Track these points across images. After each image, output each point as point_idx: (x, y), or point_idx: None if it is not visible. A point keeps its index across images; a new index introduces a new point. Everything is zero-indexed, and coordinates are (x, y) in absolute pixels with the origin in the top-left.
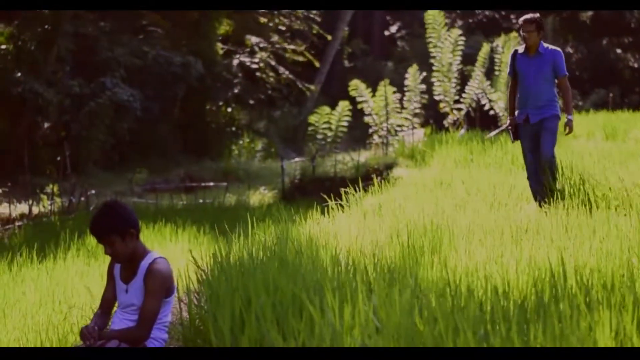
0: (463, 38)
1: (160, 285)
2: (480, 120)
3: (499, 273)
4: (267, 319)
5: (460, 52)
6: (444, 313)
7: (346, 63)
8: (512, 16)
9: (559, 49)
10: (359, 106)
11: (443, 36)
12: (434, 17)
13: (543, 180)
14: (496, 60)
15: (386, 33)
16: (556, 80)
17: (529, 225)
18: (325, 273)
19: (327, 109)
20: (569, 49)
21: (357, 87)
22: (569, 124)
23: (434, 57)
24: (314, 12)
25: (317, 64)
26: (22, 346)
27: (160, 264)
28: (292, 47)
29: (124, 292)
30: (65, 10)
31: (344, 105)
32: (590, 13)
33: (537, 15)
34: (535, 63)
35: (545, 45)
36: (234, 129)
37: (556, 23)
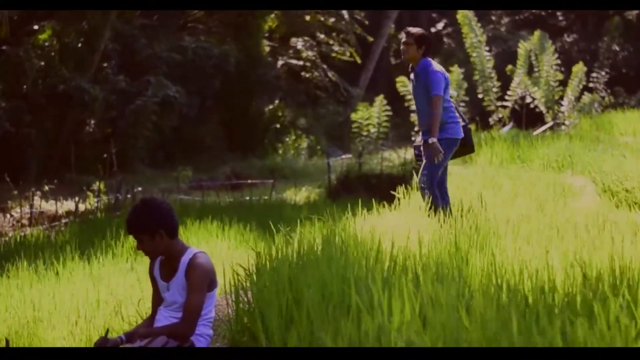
0: (484, 38)
1: (202, 279)
2: (527, 117)
3: (545, 270)
4: (316, 315)
5: (492, 52)
6: (489, 310)
7: (392, 60)
8: (558, 13)
9: (433, 68)
10: (407, 104)
11: (478, 34)
12: (464, 17)
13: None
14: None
15: (432, 30)
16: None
17: (575, 223)
18: (372, 270)
19: (366, 104)
20: (616, 47)
21: (405, 83)
22: (424, 145)
23: (472, 56)
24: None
25: (359, 61)
26: (67, 346)
27: (201, 257)
28: (337, 46)
29: (166, 290)
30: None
31: (379, 100)
32: (635, 12)
33: (420, 30)
34: (414, 83)
35: (431, 62)
36: (279, 126)
37: (616, 22)
